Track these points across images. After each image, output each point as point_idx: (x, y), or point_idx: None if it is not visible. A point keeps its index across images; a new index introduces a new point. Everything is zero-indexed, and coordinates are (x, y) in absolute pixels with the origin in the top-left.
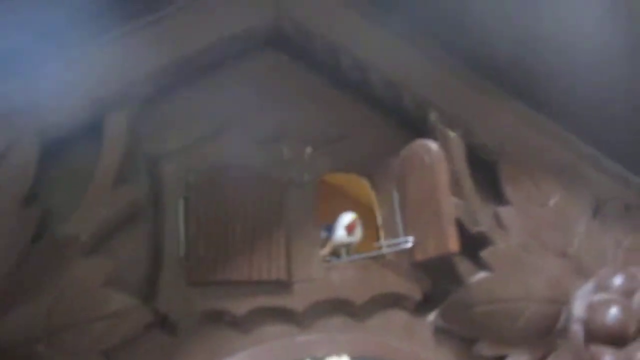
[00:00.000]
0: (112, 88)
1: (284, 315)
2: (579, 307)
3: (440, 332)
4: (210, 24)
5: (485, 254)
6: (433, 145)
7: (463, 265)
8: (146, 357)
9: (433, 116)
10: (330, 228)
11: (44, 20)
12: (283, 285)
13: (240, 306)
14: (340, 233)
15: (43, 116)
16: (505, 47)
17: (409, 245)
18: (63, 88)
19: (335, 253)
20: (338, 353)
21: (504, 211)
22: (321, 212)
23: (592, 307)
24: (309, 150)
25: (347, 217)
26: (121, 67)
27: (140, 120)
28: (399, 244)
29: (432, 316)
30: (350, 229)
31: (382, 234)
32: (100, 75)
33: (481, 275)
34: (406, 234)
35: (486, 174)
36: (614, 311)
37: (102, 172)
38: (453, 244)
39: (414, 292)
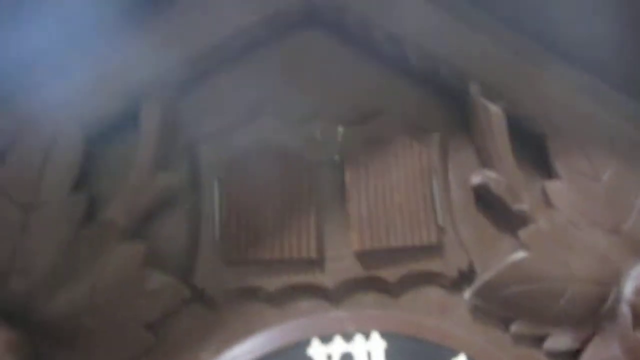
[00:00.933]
0: (146, 78)
1: (316, 291)
2: (628, 288)
3: (476, 310)
4: (241, 8)
5: (523, 233)
6: None
7: (504, 243)
8: (187, 329)
9: (473, 89)
10: None
11: (75, 17)
12: (314, 263)
13: (273, 283)
14: None
15: (84, 109)
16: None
17: None
18: (99, 80)
19: None
20: (368, 329)
21: (552, 186)
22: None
23: None
24: (341, 129)
25: None
26: (154, 57)
27: (178, 107)
28: None
29: (467, 294)
30: None
31: None
32: (134, 66)
33: (518, 254)
34: None
35: (534, 147)
36: None
37: (140, 160)
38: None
39: (449, 269)
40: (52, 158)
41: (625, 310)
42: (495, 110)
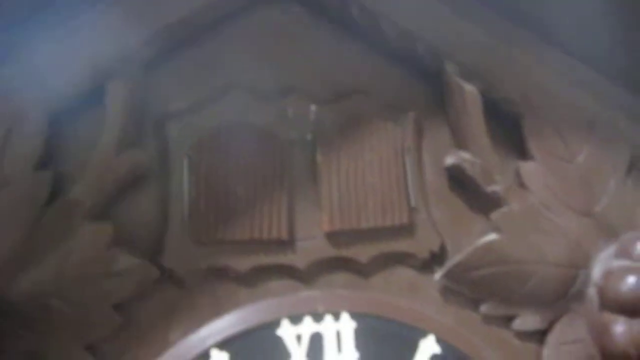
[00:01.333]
0: (112, 53)
1: (286, 272)
2: (597, 272)
3: (447, 291)
4: None
5: (495, 215)
6: None
7: (477, 225)
8: (156, 310)
9: (449, 68)
10: None
11: None
12: (285, 244)
13: (243, 263)
14: None
15: (47, 85)
16: None
17: None
18: (64, 58)
19: None
20: (338, 310)
21: (526, 167)
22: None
23: (609, 273)
24: (313, 108)
25: None
26: (119, 33)
27: (145, 83)
28: None
29: (438, 275)
30: None
31: None
32: (98, 43)
33: (489, 237)
34: None
35: (510, 128)
36: (631, 280)
37: (106, 139)
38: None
39: (421, 250)
40: (15, 135)
41: (592, 293)
42: (470, 89)
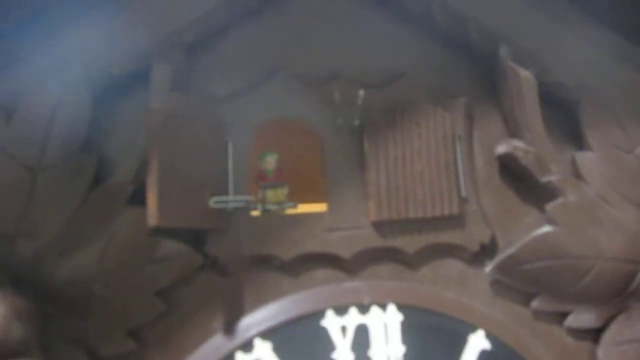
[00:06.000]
0: (156, 36)
1: (332, 261)
2: None
3: (497, 285)
4: None
5: (550, 207)
6: None
7: (529, 217)
8: (199, 297)
9: (503, 51)
10: None
11: None
12: (331, 232)
13: (288, 252)
14: None
15: (92, 68)
16: None
17: None
18: (109, 40)
19: None
20: (385, 301)
21: (583, 157)
22: None
23: None
24: (361, 93)
25: None
26: (161, 16)
27: (189, 68)
28: None
29: (488, 268)
30: None
31: None
32: (144, 24)
33: (544, 229)
34: None
35: (566, 116)
36: None
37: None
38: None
39: (471, 242)
40: (60, 118)
41: None
42: (526, 75)
